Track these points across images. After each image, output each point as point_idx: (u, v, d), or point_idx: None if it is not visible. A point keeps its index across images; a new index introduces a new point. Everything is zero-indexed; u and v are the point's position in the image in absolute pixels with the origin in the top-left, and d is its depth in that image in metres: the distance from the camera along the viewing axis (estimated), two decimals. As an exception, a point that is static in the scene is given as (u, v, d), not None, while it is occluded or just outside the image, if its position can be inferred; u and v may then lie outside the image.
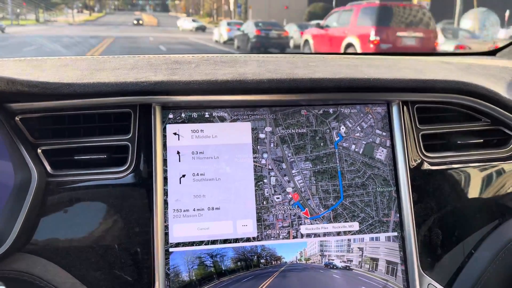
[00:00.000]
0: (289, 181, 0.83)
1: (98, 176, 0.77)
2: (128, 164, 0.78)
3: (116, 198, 0.77)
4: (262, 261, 0.80)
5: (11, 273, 0.71)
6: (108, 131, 0.80)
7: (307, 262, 0.81)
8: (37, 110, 0.76)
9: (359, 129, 0.86)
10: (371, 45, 8.51)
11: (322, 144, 0.85)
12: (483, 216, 0.90)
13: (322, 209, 0.83)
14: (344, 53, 1.21)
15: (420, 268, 0.82)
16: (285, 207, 0.82)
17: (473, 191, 0.90)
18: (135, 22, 37.53)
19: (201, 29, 29.17)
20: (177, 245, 0.78)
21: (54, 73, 0.80)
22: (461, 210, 0.88)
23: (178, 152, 0.80)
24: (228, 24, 19.45)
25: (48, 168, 0.76)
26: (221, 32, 18.90)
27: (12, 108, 0.75)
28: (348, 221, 0.83)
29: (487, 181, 0.91)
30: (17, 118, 0.76)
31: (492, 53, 1.53)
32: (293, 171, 0.83)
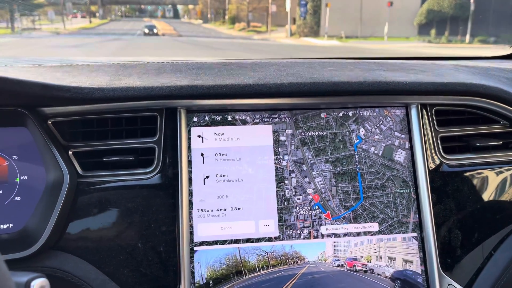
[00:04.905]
0: (309, 183, 0.85)
1: (126, 177, 0.80)
2: (154, 166, 0.81)
3: (143, 198, 0.79)
4: (284, 260, 0.82)
5: (44, 269, 0.74)
6: (135, 133, 0.83)
7: (328, 261, 0.82)
8: (68, 114, 0.80)
9: (378, 132, 0.88)
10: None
11: (341, 146, 0.86)
12: (502, 218, 0.90)
13: (342, 210, 0.84)
14: (361, 58, 1.23)
15: (440, 268, 0.83)
16: (305, 207, 0.84)
17: (492, 193, 0.90)
18: (147, 31, 27.35)
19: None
20: (202, 244, 0.80)
21: (84, 78, 0.84)
22: (480, 211, 0.89)
23: (202, 154, 0.83)
24: None
25: (79, 169, 0.80)
26: None
27: (44, 112, 0.78)
28: (368, 222, 0.84)
29: (505, 183, 0.91)
30: (49, 122, 0.79)
31: (509, 57, 1.53)
32: (314, 173, 0.85)
